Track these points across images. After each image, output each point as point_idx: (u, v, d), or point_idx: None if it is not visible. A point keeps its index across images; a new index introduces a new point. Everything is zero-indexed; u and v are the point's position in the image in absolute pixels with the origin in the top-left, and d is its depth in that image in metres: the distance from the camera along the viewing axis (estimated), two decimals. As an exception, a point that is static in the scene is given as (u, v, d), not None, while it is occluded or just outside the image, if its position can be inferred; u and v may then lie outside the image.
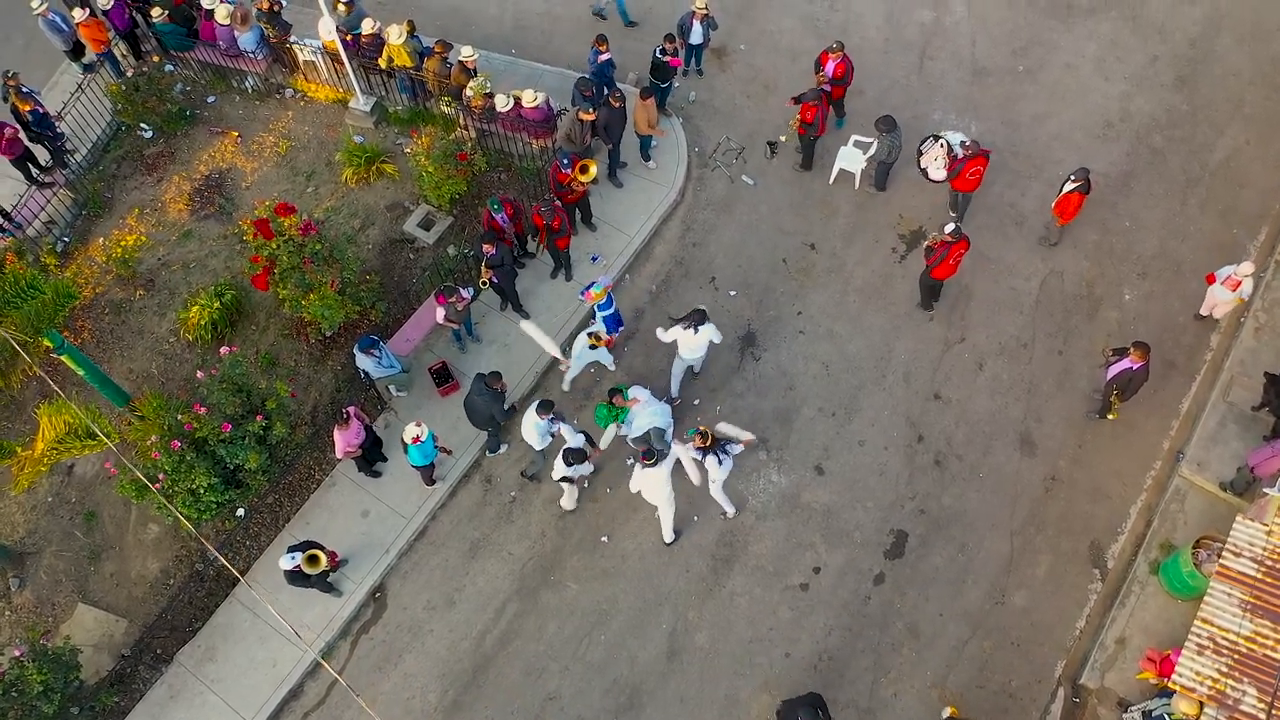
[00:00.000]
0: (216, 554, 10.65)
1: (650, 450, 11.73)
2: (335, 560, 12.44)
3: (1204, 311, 13.67)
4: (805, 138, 14.95)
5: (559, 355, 13.18)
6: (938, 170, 14.34)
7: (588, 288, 13.27)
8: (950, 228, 13.17)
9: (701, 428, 11.96)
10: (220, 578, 12.96)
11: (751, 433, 12.38)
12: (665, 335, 12.92)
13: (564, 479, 12.44)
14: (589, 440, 12.34)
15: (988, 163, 13.96)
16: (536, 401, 12.40)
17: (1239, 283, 12.79)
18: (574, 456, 11.89)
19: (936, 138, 14.39)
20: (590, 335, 13.04)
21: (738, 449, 12.12)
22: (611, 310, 13.28)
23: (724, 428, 12.21)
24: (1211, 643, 10.06)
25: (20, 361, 11.31)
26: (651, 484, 11.93)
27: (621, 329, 13.94)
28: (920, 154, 14.49)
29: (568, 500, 13.11)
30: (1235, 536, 10.41)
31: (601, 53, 14.80)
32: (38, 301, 10.82)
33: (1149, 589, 12.37)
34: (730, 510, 13.01)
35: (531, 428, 12.39)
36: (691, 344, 12.89)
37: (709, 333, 12.77)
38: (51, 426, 10.79)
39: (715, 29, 15.83)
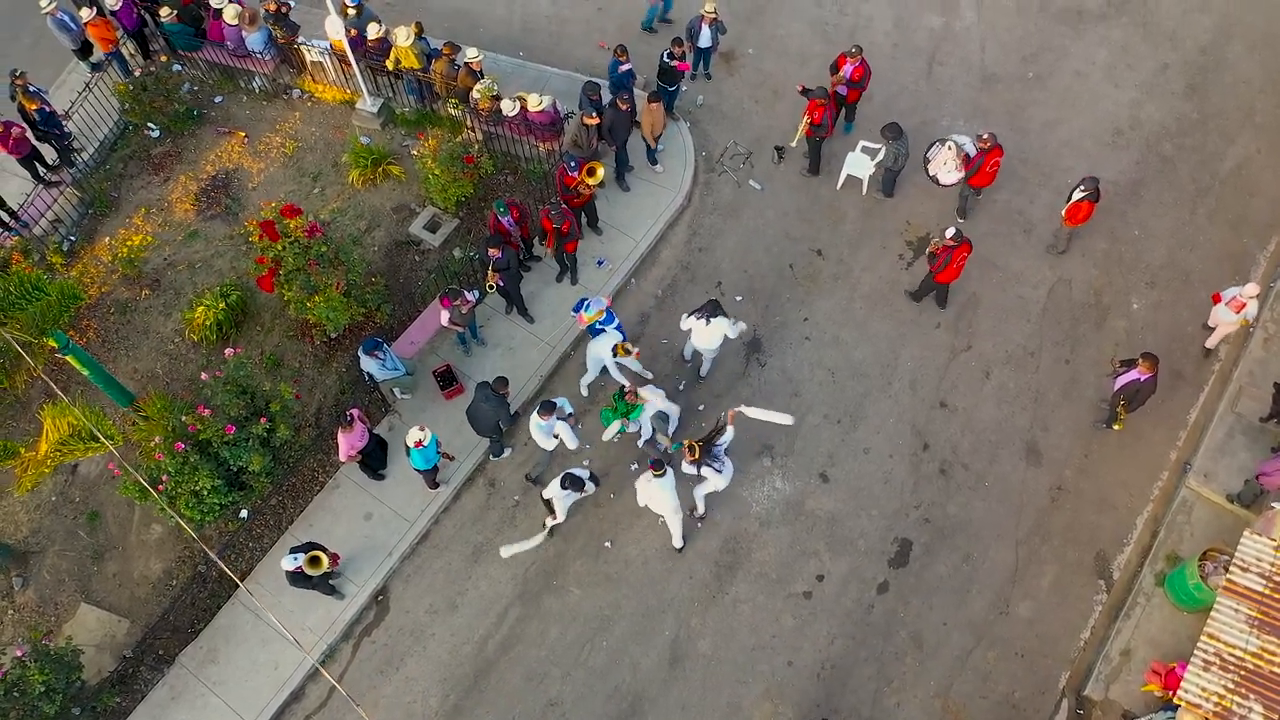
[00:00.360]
0: (218, 560, 10.62)
1: (658, 461, 11.69)
2: (336, 562, 12.43)
3: (1211, 324, 13.57)
4: (812, 139, 14.89)
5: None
6: (949, 174, 14.27)
7: (580, 307, 13.12)
8: (951, 232, 13.12)
9: (687, 441, 11.93)
10: (223, 579, 12.95)
11: (789, 415, 12.45)
12: (683, 324, 12.99)
13: (549, 502, 12.29)
14: (594, 478, 12.33)
15: (1003, 154, 13.91)
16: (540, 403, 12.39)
17: (1243, 304, 12.68)
18: (571, 483, 11.80)
19: (943, 141, 14.32)
20: (619, 346, 12.84)
21: (727, 438, 12.02)
22: (615, 324, 13.18)
23: (753, 412, 12.14)
24: (1218, 658, 9.98)
25: (25, 362, 11.29)
26: (658, 494, 11.90)
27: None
28: (927, 161, 14.40)
29: (510, 548, 12.76)
30: (1243, 551, 10.33)
31: (622, 63, 14.67)
32: (42, 303, 10.81)
33: (1154, 601, 12.30)
34: (700, 509, 12.93)
35: (537, 429, 12.37)
36: (704, 335, 12.86)
37: (722, 326, 12.70)
38: (55, 428, 10.77)
39: (724, 33, 15.77)
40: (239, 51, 16.10)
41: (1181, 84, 16.08)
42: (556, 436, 12.53)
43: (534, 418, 12.31)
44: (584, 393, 13.85)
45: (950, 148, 14.19)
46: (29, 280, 10.75)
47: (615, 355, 12.87)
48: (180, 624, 12.86)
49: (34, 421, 13.38)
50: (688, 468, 12.03)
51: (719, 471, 11.98)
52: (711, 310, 12.63)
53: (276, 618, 12.57)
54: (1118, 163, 15.41)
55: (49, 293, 10.81)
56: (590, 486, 12.26)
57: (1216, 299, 13.05)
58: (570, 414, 12.52)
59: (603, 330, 13.04)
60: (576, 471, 12.00)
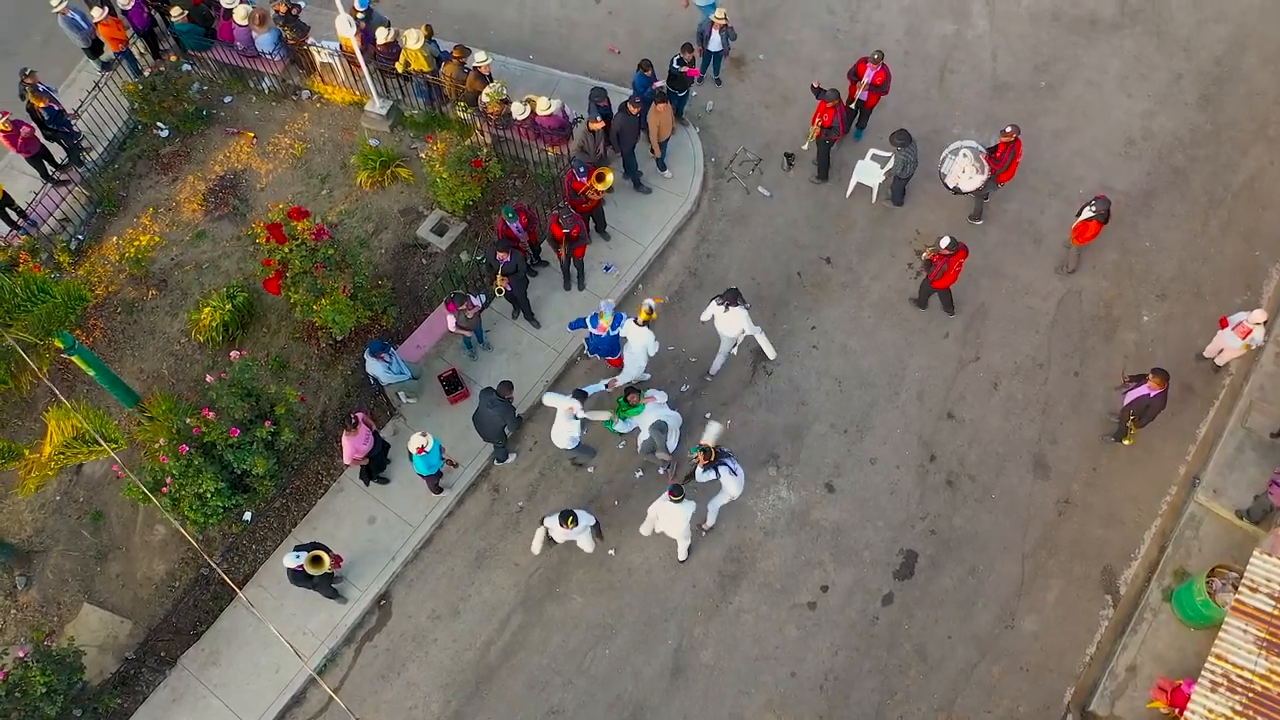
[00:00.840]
0: (218, 569, 10.61)
1: (677, 487, 11.62)
2: (338, 564, 12.41)
3: (1208, 354, 13.42)
4: (822, 142, 14.78)
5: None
6: (970, 180, 14.15)
7: (580, 325, 12.88)
8: (946, 242, 13.03)
9: (704, 443, 11.87)
10: (225, 581, 12.92)
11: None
12: (704, 314, 13.10)
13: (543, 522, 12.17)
14: (597, 529, 12.23)
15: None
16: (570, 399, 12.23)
17: (1249, 330, 12.55)
18: (562, 519, 11.59)
19: (955, 152, 14.22)
20: (641, 311, 12.71)
21: (716, 440, 11.96)
22: (625, 317, 12.97)
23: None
24: (1225, 680, 9.88)
25: (33, 362, 11.29)
26: (675, 519, 11.85)
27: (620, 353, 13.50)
28: (944, 176, 14.27)
29: (536, 544, 12.50)
30: (1252, 572, 10.23)
31: (650, 78, 14.43)
32: (48, 305, 10.79)
33: (1161, 616, 12.21)
34: (710, 523, 12.88)
35: (564, 424, 12.22)
36: (723, 322, 12.97)
37: (739, 316, 12.77)
38: (60, 431, 10.76)
39: (735, 39, 15.69)
40: (249, 52, 16.08)
41: (1195, 95, 15.96)
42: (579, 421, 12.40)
43: (560, 416, 12.20)
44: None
45: (965, 155, 14.10)
46: (35, 282, 10.73)
47: (641, 321, 12.70)
48: (182, 626, 12.84)
49: (39, 421, 13.38)
50: (702, 475, 11.96)
51: (734, 473, 11.92)
52: (731, 299, 12.72)
53: (279, 620, 12.66)
54: (1129, 173, 15.30)
55: (55, 295, 10.79)
56: (578, 529, 11.83)
57: (1224, 323, 12.92)
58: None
59: (617, 334, 12.90)
60: (580, 513, 11.74)
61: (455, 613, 12.91)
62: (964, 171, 14.07)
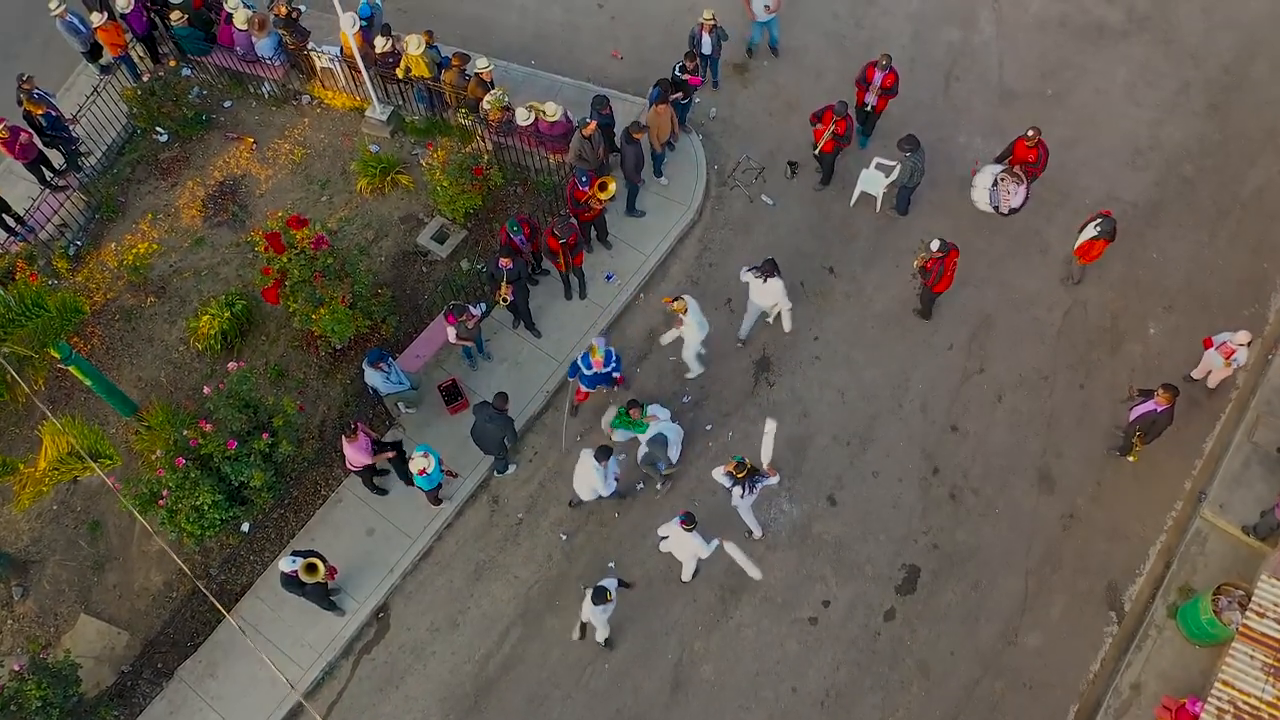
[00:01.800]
0: (206, 593, 10.53)
1: (689, 515, 11.46)
2: (333, 575, 12.31)
3: (1196, 375, 13.28)
4: (832, 154, 14.61)
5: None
6: (1018, 197, 14.15)
7: (579, 366, 12.72)
8: (936, 245, 12.96)
9: (747, 459, 11.73)
10: (224, 593, 12.84)
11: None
12: (743, 276, 13.32)
13: (585, 625, 12.02)
14: (623, 583, 12.06)
15: None
16: (595, 449, 11.96)
17: (1233, 350, 12.41)
18: (598, 596, 11.20)
19: (996, 183, 14.11)
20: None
21: (770, 482, 11.93)
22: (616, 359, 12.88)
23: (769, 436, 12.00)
24: (1232, 707, 9.77)
25: (27, 375, 11.20)
26: (688, 544, 11.73)
27: (619, 373, 13.24)
28: (996, 207, 14.23)
29: (601, 633, 12.31)
30: (1260, 596, 10.10)
31: (664, 96, 14.28)
32: (43, 319, 10.68)
33: (1166, 634, 12.09)
34: (757, 531, 12.81)
35: (591, 472, 11.95)
36: (760, 293, 13.19)
37: (776, 287, 12.96)
38: (54, 446, 10.67)
39: (726, 39, 15.46)
40: (249, 57, 15.96)
41: (1203, 103, 15.79)
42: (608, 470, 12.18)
43: (588, 460, 11.94)
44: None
45: (1005, 179, 14.03)
46: (30, 295, 10.62)
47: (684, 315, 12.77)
48: (180, 637, 12.77)
49: (36, 431, 13.20)
50: (721, 477, 11.85)
51: (743, 495, 11.87)
52: (769, 271, 12.83)
53: (277, 632, 12.64)
54: (1136, 183, 15.15)
55: (49, 308, 10.68)
56: (613, 603, 11.50)
57: (1208, 344, 12.78)
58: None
59: (610, 371, 12.78)
60: (605, 583, 11.43)
61: (454, 625, 12.82)
62: (1009, 192, 14.00)
